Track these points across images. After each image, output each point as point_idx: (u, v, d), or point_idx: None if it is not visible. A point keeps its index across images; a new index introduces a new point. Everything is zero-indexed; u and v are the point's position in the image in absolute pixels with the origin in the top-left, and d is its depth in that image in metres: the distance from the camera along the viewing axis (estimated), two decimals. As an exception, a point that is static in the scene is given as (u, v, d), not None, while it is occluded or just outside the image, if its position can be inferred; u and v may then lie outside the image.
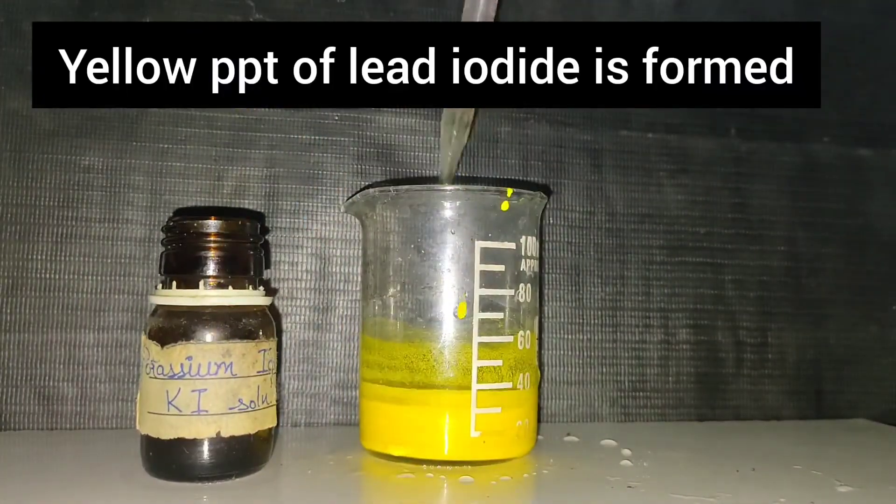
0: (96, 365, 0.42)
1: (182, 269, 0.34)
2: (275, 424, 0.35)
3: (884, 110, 0.52)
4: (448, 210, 0.36)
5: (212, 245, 0.34)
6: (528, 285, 0.37)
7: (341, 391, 0.45)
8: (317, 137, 0.45)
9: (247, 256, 0.35)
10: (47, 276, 0.42)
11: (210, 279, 0.34)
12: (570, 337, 0.47)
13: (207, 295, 0.33)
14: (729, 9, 0.50)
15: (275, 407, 0.35)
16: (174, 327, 0.32)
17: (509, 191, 0.36)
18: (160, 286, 0.34)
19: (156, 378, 0.32)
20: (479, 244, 0.35)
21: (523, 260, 0.37)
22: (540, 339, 0.40)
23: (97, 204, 0.43)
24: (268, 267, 0.44)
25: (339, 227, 0.45)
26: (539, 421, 0.40)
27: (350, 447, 0.39)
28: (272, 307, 0.36)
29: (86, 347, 0.42)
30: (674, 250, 0.49)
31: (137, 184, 0.43)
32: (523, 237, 0.37)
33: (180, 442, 0.32)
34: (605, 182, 0.48)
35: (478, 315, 0.35)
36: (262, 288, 0.36)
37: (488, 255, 0.35)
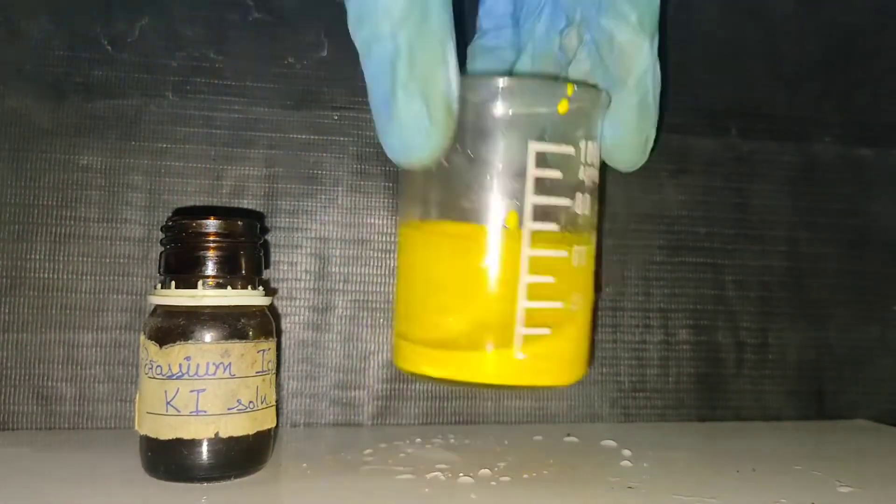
0: (95, 365, 0.42)
1: (181, 268, 0.34)
2: (274, 425, 0.35)
3: (885, 110, 0.52)
4: (500, 106, 0.32)
5: (211, 245, 0.34)
6: (588, 196, 0.33)
7: (341, 392, 0.44)
8: (316, 137, 0.45)
9: (245, 256, 0.35)
10: (45, 275, 0.42)
11: (209, 279, 0.33)
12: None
13: (206, 295, 0.33)
14: (730, 9, 0.50)
15: (274, 407, 0.35)
16: (173, 327, 0.32)
17: (570, 87, 0.32)
18: (159, 286, 0.34)
19: (154, 378, 0.32)
20: (534, 146, 0.31)
21: (582, 167, 0.33)
22: (599, 255, 0.36)
23: (95, 203, 0.43)
24: (267, 267, 0.44)
25: (339, 227, 0.45)
26: (593, 349, 0.37)
27: (350, 448, 0.38)
28: (271, 307, 0.36)
29: (84, 347, 0.42)
30: (674, 250, 0.49)
31: (136, 183, 0.43)
32: (583, 142, 0.33)
33: (179, 442, 0.32)
34: (605, 182, 0.48)
35: (529, 225, 0.31)
36: (261, 288, 0.36)
37: (543, 160, 0.32)
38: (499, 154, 0.32)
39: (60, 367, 0.42)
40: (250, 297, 0.34)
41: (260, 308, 0.35)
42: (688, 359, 0.49)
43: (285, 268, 0.44)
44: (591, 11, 0.34)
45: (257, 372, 0.34)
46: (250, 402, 0.33)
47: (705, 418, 0.48)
